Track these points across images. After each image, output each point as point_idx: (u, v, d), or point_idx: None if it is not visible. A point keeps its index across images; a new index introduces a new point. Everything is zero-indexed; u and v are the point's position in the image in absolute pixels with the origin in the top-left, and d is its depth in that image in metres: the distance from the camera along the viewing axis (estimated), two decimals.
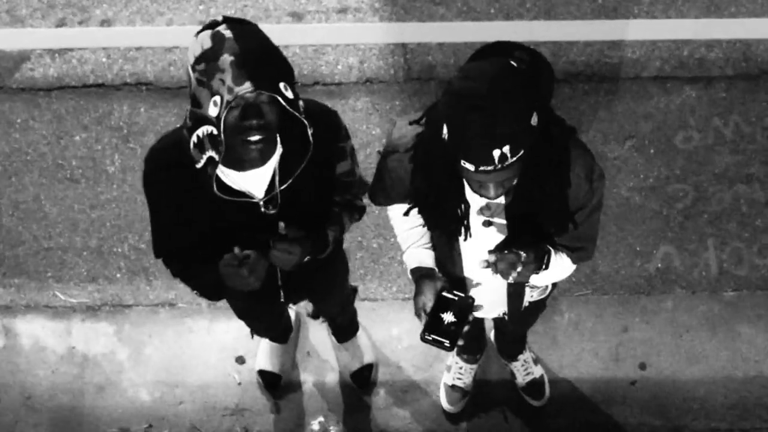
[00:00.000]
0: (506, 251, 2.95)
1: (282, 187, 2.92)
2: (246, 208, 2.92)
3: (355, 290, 4.30)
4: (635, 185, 4.86)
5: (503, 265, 2.94)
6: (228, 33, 2.65)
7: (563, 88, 5.01)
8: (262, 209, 2.98)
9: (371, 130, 4.99)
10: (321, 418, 4.46)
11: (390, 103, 5.02)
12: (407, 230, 3.18)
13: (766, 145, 4.91)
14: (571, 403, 4.49)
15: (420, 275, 3.15)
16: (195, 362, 4.57)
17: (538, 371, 4.52)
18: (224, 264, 2.89)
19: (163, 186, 2.99)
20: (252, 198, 2.91)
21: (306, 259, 3.14)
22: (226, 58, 2.60)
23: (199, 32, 2.72)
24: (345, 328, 4.44)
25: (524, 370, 4.46)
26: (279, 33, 4.74)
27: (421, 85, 5.07)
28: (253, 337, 4.16)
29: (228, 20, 2.72)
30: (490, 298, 3.26)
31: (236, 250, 2.88)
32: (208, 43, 2.66)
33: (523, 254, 2.94)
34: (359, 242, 4.74)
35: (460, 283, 3.21)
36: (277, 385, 4.47)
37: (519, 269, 2.92)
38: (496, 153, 2.52)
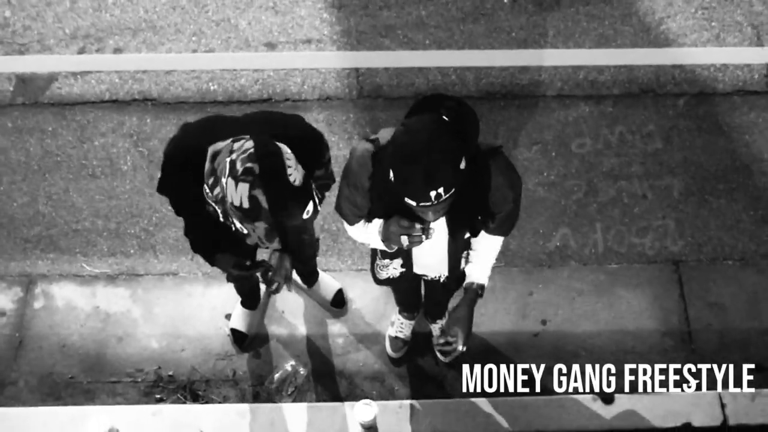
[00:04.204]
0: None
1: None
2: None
3: (317, 240, 4.52)
4: (539, 181, 5.21)
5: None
6: (264, 202, 2.84)
7: (484, 104, 5.33)
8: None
9: (330, 137, 5.17)
10: (292, 362, 4.72)
11: (345, 116, 5.34)
12: (362, 228, 3.42)
13: (644, 149, 5.28)
14: (488, 350, 4.73)
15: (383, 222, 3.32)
16: (193, 319, 4.83)
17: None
18: (235, 265, 3.29)
19: (178, 183, 3.25)
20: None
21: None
22: (261, 225, 2.88)
23: (238, 177, 2.83)
24: (311, 274, 4.70)
25: (440, 335, 4.59)
26: (256, 59, 5.39)
27: (370, 102, 5.38)
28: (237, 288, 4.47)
29: (263, 176, 2.83)
30: (433, 262, 3.59)
31: (248, 263, 3.28)
32: (246, 204, 2.84)
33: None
34: (321, 225, 5.04)
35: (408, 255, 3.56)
36: (244, 340, 4.71)
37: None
38: (433, 194, 2.81)
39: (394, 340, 4.73)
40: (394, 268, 3.74)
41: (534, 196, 5.18)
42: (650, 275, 4.99)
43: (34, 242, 5.06)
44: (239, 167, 2.85)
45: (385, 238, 3.26)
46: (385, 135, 3.12)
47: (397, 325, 4.72)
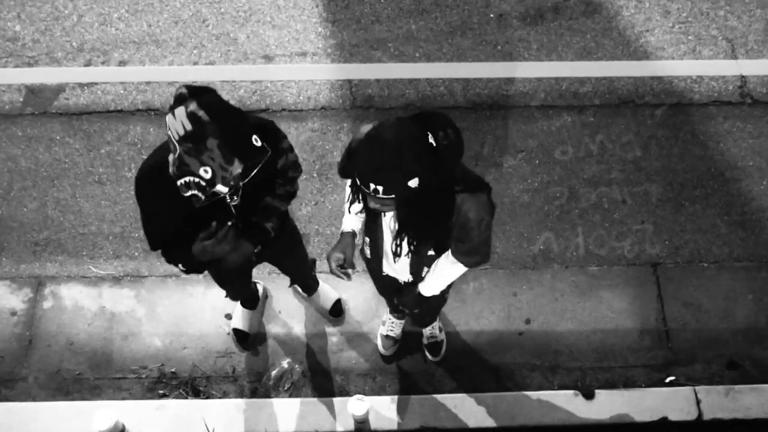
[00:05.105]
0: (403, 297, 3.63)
1: (243, 183, 3.11)
2: (215, 203, 3.11)
3: (313, 262, 4.59)
4: (524, 187, 5.22)
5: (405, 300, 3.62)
6: (203, 114, 2.77)
7: (471, 114, 5.38)
8: (228, 200, 3.22)
9: (325, 144, 5.29)
10: (289, 359, 4.73)
11: (339, 125, 5.38)
12: (350, 214, 3.52)
13: (623, 157, 5.31)
14: (474, 348, 4.79)
15: (342, 232, 3.54)
16: (194, 318, 4.85)
17: (441, 336, 4.76)
18: (203, 237, 3.10)
19: (152, 195, 3.19)
20: (220, 194, 3.04)
21: (257, 248, 3.44)
22: (213, 142, 2.78)
23: (172, 107, 2.81)
24: (310, 285, 4.73)
25: (429, 333, 4.75)
26: (254, 71, 5.39)
27: (362, 111, 5.42)
28: (227, 296, 4.44)
29: (193, 93, 2.81)
30: (399, 267, 3.60)
31: (213, 224, 3.08)
32: (188, 126, 2.77)
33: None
34: (316, 230, 5.06)
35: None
36: (246, 339, 4.73)
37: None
38: (371, 186, 2.86)
39: (385, 338, 4.78)
40: (366, 246, 3.71)
41: (518, 201, 5.19)
42: (629, 277, 5.02)
43: (43, 245, 5.07)
44: (172, 103, 2.87)
45: (328, 255, 3.52)
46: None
47: (388, 324, 4.76)
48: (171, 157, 2.92)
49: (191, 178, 2.87)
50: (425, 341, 4.78)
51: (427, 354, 4.78)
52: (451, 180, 3.07)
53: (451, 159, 2.94)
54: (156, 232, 3.31)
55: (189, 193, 2.95)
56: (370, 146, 2.85)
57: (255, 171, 3.07)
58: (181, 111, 2.79)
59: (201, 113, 2.78)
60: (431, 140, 2.85)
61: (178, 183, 2.93)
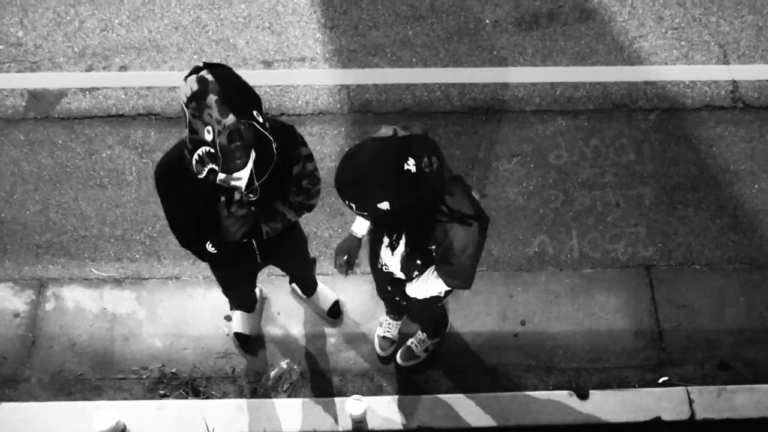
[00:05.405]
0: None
1: (260, 182, 3.20)
2: (231, 199, 3.19)
3: (314, 260, 4.71)
4: (519, 191, 5.23)
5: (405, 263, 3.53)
6: (210, 77, 2.85)
7: (468, 119, 5.41)
8: (244, 198, 3.24)
9: (323, 149, 5.31)
10: (287, 360, 4.72)
11: (337, 129, 5.39)
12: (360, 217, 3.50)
13: (617, 161, 5.33)
14: (470, 349, 4.79)
15: (350, 233, 3.64)
16: (194, 320, 4.85)
17: (420, 353, 4.74)
18: (225, 215, 3.17)
19: (172, 188, 3.23)
20: (238, 190, 3.17)
21: (244, 237, 3.42)
22: (212, 98, 2.82)
23: (187, 76, 2.91)
24: (309, 285, 4.74)
25: (415, 342, 4.73)
26: (254, 76, 5.43)
27: (360, 116, 5.44)
28: (231, 308, 4.58)
29: (208, 65, 2.91)
30: (393, 263, 3.62)
31: (222, 199, 3.14)
32: (195, 86, 2.85)
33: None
34: (314, 232, 5.07)
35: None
36: (247, 341, 4.76)
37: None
38: (347, 200, 2.94)
39: (383, 339, 4.79)
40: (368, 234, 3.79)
41: (514, 205, 5.21)
42: (623, 279, 5.03)
43: (46, 248, 5.08)
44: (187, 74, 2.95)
45: (336, 251, 3.64)
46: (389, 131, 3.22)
47: (385, 326, 4.79)
48: (185, 135, 3.00)
49: (203, 150, 2.92)
50: (407, 343, 4.78)
51: (398, 357, 4.79)
52: (432, 206, 3.08)
53: (430, 186, 2.92)
54: (180, 224, 3.37)
55: (205, 171, 2.99)
56: (344, 164, 2.91)
57: (270, 169, 3.14)
58: (192, 78, 2.88)
59: (209, 77, 2.86)
60: (410, 166, 2.84)
61: (194, 162, 2.98)
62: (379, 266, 3.76)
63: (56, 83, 5.55)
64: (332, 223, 5.18)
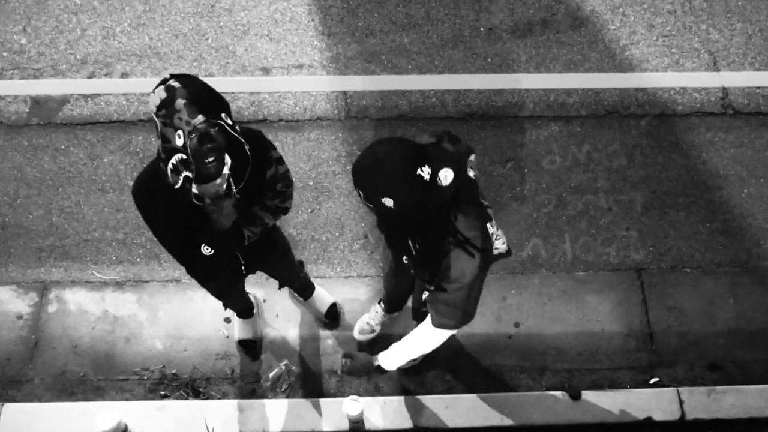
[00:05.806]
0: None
1: (237, 189, 3.15)
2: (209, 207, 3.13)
3: (301, 263, 4.64)
4: (513, 195, 5.24)
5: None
6: (177, 84, 2.84)
7: (462, 125, 5.40)
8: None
9: (321, 154, 5.31)
10: (286, 361, 4.70)
11: (335, 135, 5.39)
12: None
13: (609, 166, 5.34)
14: (465, 350, 4.78)
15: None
16: (194, 322, 4.85)
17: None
18: (212, 209, 3.13)
19: (152, 205, 3.18)
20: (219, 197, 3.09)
21: (248, 236, 3.42)
22: (180, 102, 2.80)
23: (155, 88, 2.90)
24: (304, 289, 4.72)
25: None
26: (252, 83, 5.40)
27: (357, 122, 5.43)
28: (225, 308, 4.51)
29: (174, 75, 2.91)
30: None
31: (207, 201, 3.10)
32: (163, 94, 2.84)
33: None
34: (312, 236, 5.06)
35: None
36: (254, 346, 4.73)
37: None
38: (356, 187, 2.91)
39: (365, 324, 4.78)
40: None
41: (508, 209, 5.21)
42: (615, 282, 5.03)
43: (48, 251, 5.09)
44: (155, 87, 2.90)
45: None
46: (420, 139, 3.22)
47: (372, 312, 4.77)
48: (158, 144, 2.97)
49: (176, 158, 2.89)
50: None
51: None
52: (440, 223, 3.04)
53: (438, 198, 2.90)
54: (169, 238, 3.34)
55: (180, 180, 2.95)
56: (365, 151, 2.89)
57: (248, 173, 3.12)
58: (160, 88, 2.88)
59: (176, 84, 2.86)
60: (424, 173, 2.80)
61: (168, 172, 2.94)
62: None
63: (59, 90, 5.55)
64: (330, 228, 5.18)
